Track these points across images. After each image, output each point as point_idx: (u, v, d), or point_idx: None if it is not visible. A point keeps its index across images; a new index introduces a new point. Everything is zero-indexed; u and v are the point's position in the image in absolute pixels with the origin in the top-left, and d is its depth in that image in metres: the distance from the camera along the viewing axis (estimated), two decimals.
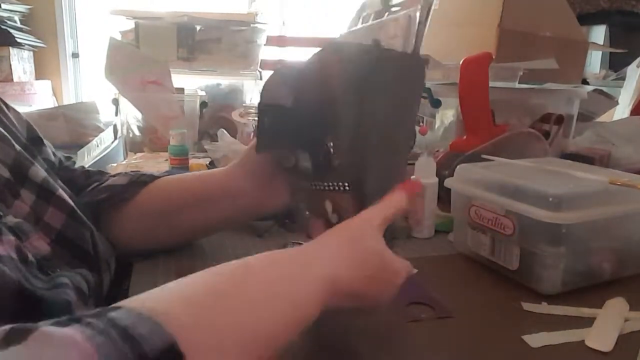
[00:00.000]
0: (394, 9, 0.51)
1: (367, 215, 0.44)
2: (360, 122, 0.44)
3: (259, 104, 0.52)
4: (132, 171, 0.68)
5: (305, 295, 0.37)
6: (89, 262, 0.52)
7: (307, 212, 0.51)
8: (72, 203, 0.54)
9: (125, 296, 0.54)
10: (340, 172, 0.45)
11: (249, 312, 0.34)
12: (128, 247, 0.61)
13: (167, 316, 0.29)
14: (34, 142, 0.61)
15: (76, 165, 0.69)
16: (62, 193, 0.54)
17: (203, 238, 0.69)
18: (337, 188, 0.45)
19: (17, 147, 0.52)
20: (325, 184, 0.46)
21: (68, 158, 0.69)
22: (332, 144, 0.45)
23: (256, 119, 0.54)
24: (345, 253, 0.41)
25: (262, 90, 0.51)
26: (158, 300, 0.31)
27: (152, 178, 0.65)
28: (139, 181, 0.64)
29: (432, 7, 1.16)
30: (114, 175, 0.67)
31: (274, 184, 0.58)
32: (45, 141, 0.63)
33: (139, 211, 0.62)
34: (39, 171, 0.53)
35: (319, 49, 0.46)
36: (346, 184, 0.45)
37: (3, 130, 0.52)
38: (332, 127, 0.45)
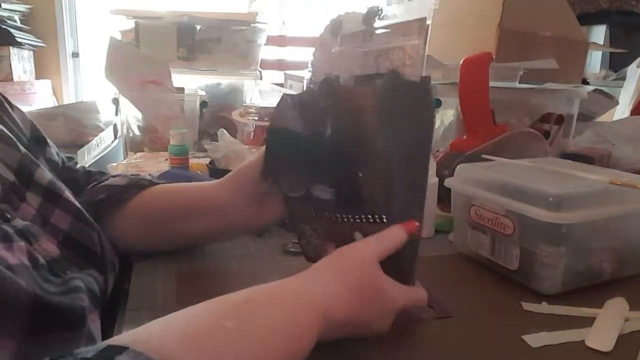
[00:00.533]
0: (378, 31, 0.50)
1: (362, 249, 0.44)
2: (391, 152, 0.43)
3: (269, 128, 0.52)
4: (131, 174, 0.68)
5: (302, 330, 0.38)
6: (96, 262, 0.53)
7: (322, 242, 0.50)
8: (78, 204, 0.54)
9: (126, 296, 0.54)
10: (372, 203, 0.44)
11: (252, 351, 0.34)
12: (122, 247, 0.61)
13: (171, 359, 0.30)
14: (38, 142, 0.61)
15: (77, 166, 0.69)
16: (69, 195, 0.54)
17: (195, 246, 0.68)
18: (371, 220, 0.45)
19: (22, 149, 0.52)
20: (356, 216, 0.45)
21: (70, 159, 0.69)
22: (361, 175, 0.44)
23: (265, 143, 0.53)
24: (338, 284, 0.41)
25: (274, 112, 0.51)
26: (164, 342, 0.31)
27: (151, 183, 0.65)
28: (138, 184, 0.64)
29: (433, 8, 1.16)
30: (114, 176, 0.67)
31: (265, 202, 0.57)
32: (49, 141, 0.63)
33: (133, 214, 0.62)
34: (45, 174, 0.53)
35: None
36: (383, 217, 0.44)
37: (8, 133, 0.52)
38: (363, 159, 0.44)
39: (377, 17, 0.50)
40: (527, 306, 0.54)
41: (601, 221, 0.57)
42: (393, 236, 0.44)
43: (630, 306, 0.54)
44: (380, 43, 0.48)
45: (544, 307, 0.54)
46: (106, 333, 0.51)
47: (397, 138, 0.44)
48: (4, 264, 0.37)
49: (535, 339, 0.48)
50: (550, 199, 0.54)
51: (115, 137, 1.60)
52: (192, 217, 0.61)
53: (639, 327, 0.50)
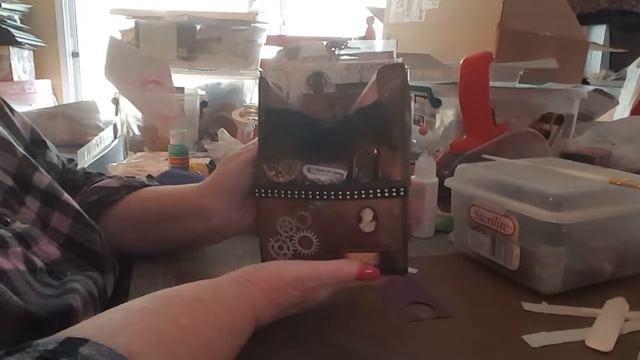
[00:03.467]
0: (342, 58, 0.53)
1: (296, 275, 0.45)
2: (406, 127, 0.47)
3: (267, 108, 0.50)
4: (127, 176, 0.67)
5: (241, 328, 0.41)
6: (97, 264, 0.53)
7: (304, 237, 0.49)
8: (77, 207, 0.54)
9: (126, 296, 0.54)
10: (387, 178, 0.46)
11: (204, 348, 0.37)
12: (114, 249, 0.60)
13: (139, 355, 0.31)
14: (38, 145, 0.61)
15: (77, 167, 0.69)
16: (68, 197, 0.54)
17: (183, 249, 0.66)
18: (387, 194, 0.46)
19: (20, 153, 0.52)
20: (370, 192, 0.46)
21: (70, 160, 0.68)
22: (377, 151, 0.47)
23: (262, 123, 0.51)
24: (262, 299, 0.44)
25: (265, 93, 0.50)
26: (130, 337, 0.32)
27: (142, 185, 0.64)
28: (129, 186, 0.63)
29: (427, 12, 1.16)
30: (110, 177, 0.67)
31: (247, 205, 0.56)
32: (49, 144, 0.63)
33: (122, 216, 0.62)
34: (43, 177, 0.53)
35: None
36: (401, 189, 0.45)
37: (8, 137, 0.52)
38: (386, 135, 0.47)
39: (342, 46, 0.53)
40: (527, 306, 0.54)
41: (601, 221, 0.57)
42: (340, 274, 0.45)
43: (630, 306, 0.54)
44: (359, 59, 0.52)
45: (544, 307, 0.54)
46: None
47: (407, 116, 0.48)
48: None
49: (535, 339, 0.48)
50: (550, 199, 0.54)
51: (115, 137, 1.60)
52: (174, 221, 0.59)
53: (639, 327, 0.50)
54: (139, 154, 1.35)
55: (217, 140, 1.11)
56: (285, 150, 0.49)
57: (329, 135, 0.48)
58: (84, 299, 0.45)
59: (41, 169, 0.54)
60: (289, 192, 0.48)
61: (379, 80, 0.47)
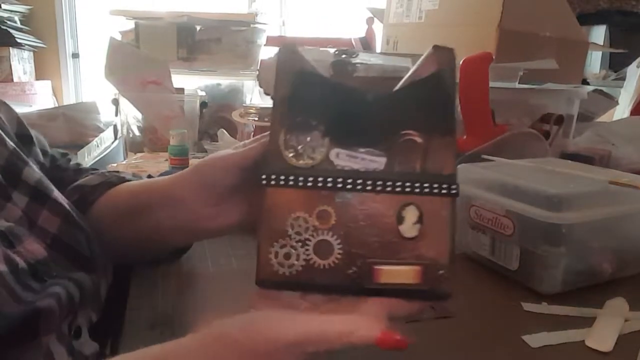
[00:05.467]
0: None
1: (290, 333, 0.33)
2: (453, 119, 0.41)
3: (296, 71, 0.40)
4: (109, 172, 0.63)
5: None
6: (86, 265, 0.50)
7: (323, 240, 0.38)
8: (67, 206, 0.51)
9: (125, 299, 0.54)
10: (432, 173, 0.38)
11: None
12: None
13: None
14: (24, 141, 0.57)
15: (70, 163, 0.65)
16: (58, 195, 0.51)
17: (151, 255, 0.61)
18: (435, 190, 0.38)
19: (10, 146, 0.49)
20: (417, 185, 0.38)
21: (64, 155, 0.65)
22: (423, 140, 0.39)
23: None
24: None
25: (290, 56, 0.41)
26: None
27: (120, 180, 0.60)
28: (107, 182, 0.59)
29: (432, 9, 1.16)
30: (92, 173, 0.63)
31: (225, 204, 0.51)
32: (35, 140, 0.59)
33: (100, 214, 0.57)
34: (34, 172, 0.50)
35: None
36: (453, 186, 0.37)
37: None
38: (439, 119, 0.39)
39: (354, 55, 0.48)
40: (527, 306, 0.54)
41: (601, 221, 0.57)
42: (357, 334, 0.34)
43: (630, 306, 0.54)
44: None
45: (544, 307, 0.54)
46: (107, 333, 0.51)
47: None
48: None
49: (535, 339, 0.48)
50: (551, 199, 0.54)
51: (116, 138, 1.60)
52: (141, 214, 0.55)
53: (639, 327, 0.50)
54: (139, 154, 1.35)
55: (217, 141, 1.11)
56: (311, 126, 0.39)
57: (370, 112, 0.40)
58: (65, 303, 0.43)
59: (31, 163, 0.50)
60: (310, 179, 0.38)
61: (436, 54, 0.40)
